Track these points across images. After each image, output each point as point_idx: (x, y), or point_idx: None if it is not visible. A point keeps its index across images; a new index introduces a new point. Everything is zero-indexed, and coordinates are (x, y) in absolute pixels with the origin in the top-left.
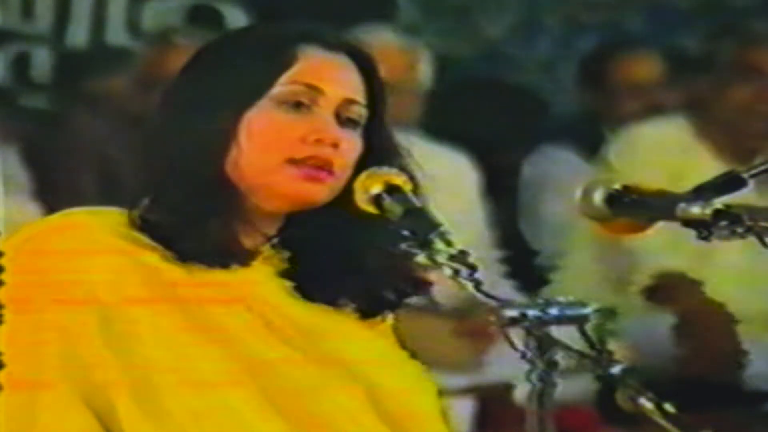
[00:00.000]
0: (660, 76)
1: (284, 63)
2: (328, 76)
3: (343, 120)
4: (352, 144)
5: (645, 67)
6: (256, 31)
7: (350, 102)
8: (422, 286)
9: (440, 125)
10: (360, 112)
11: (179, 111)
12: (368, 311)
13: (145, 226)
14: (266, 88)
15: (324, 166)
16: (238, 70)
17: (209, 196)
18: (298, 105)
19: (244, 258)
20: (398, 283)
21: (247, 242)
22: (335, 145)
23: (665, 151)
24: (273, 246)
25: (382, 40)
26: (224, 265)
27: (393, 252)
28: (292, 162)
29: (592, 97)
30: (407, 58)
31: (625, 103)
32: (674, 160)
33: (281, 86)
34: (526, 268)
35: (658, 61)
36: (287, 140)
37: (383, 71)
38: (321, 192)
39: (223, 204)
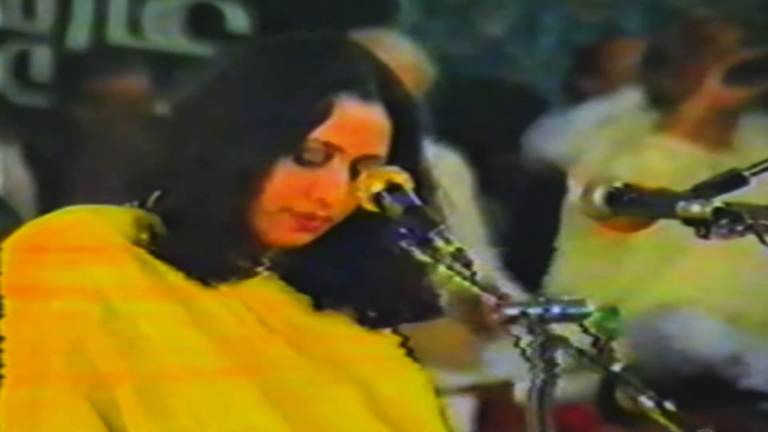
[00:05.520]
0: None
1: (319, 116)
2: (354, 133)
3: (357, 171)
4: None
5: (634, 50)
6: (296, 66)
7: (369, 157)
8: (434, 310)
9: (440, 124)
10: (378, 164)
11: (211, 142)
12: (370, 320)
13: (155, 245)
14: (299, 143)
15: (320, 219)
16: (277, 117)
17: (230, 234)
18: (314, 157)
19: (247, 272)
20: (408, 302)
21: (249, 254)
22: (337, 204)
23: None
24: (271, 255)
25: (386, 43)
26: (228, 282)
27: (403, 268)
28: (289, 211)
29: (589, 86)
30: (412, 62)
31: (618, 83)
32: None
33: (306, 142)
34: (523, 267)
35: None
36: (290, 192)
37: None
38: (309, 237)
39: (241, 240)
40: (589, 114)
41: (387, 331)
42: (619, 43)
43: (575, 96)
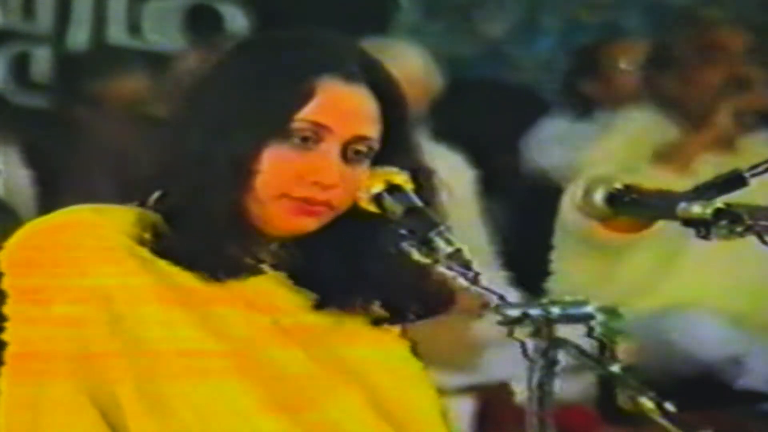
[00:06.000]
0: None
1: (301, 98)
2: (341, 112)
3: (351, 154)
4: (356, 177)
5: (636, 50)
6: (279, 53)
7: (359, 138)
8: (447, 303)
9: (440, 125)
10: (370, 145)
11: (202, 134)
12: (382, 320)
13: (157, 246)
14: (286, 124)
15: (320, 204)
16: (260, 102)
17: (229, 228)
18: (303, 140)
19: (252, 269)
20: (417, 296)
21: (254, 250)
22: (334, 186)
23: (638, 141)
24: (275, 251)
25: (395, 52)
26: (234, 277)
27: (393, 247)
28: (286, 197)
29: (589, 86)
30: (421, 70)
31: (619, 85)
32: (648, 146)
33: (293, 123)
34: (524, 267)
35: (647, 47)
36: (285, 177)
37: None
38: (314, 224)
39: (241, 232)
40: (588, 132)
41: (394, 329)
42: (621, 45)
43: (576, 98)
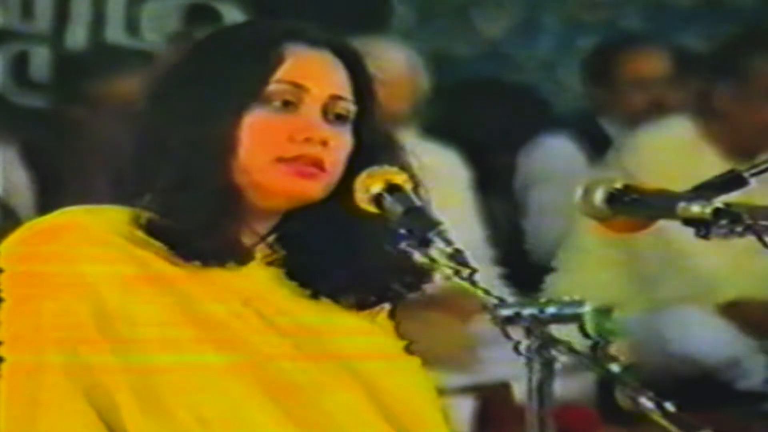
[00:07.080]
0: (666, 72)
1: (272, 63)
2: (313, 73)
3: (331, 117)
4: (341, 140)
5: (650, 63)
6: (242, 31)
7: (337, 98)
8: (426, 278)
9: (440, 125)
10: (347, 107)
11: (180, 118)
12: (368, 302)
13: (151, 229)
14: (259, 89)
15: (315, 164)
16: (231, 74)
17: (220, 201)
18: (285, 104)
19: (244, 256)
20: (402, 274)
21: (245, 241)
22: (324, 143)
23: (671, 155)
24: (269, 245)
25: (379, 52)
26: (223, 263)
27: (391, 247)
28: (282, 161)
29: (597, 94)
30: (407, 70)
31: (632, 98)
32: (681, 162)
33: (268, 86)
34: (520, 266)
35: (663, 58)
36: (276, 140)
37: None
38: (315, 188)
39: (232, 207)
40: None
41: (383, 318)
42: (634, 53)
43: (587, 108)
